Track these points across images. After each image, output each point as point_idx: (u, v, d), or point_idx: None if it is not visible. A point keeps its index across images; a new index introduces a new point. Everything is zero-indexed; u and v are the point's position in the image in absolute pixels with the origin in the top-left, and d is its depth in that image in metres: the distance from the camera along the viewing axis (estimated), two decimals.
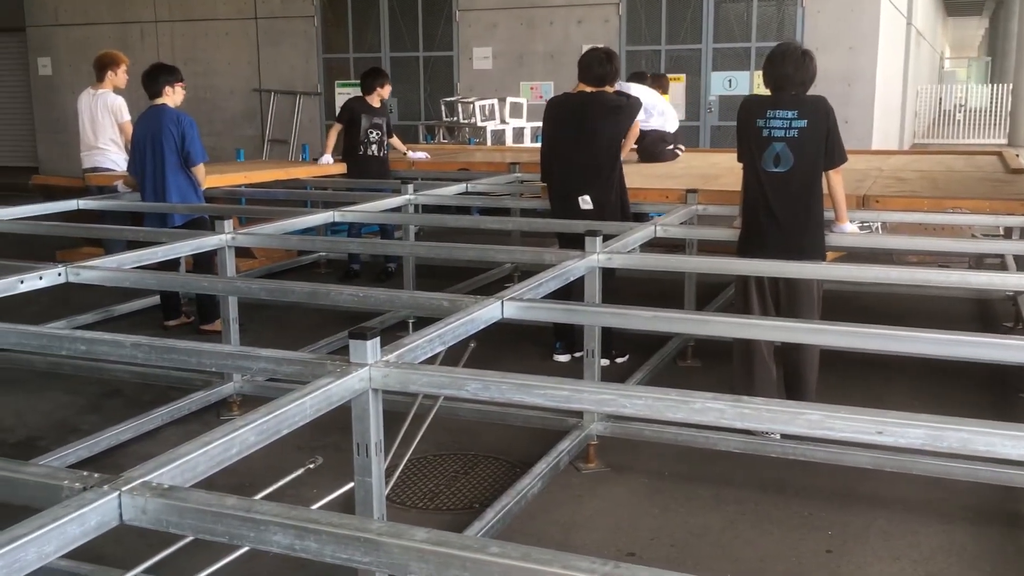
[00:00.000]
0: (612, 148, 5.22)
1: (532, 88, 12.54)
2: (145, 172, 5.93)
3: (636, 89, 7.31)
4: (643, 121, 7.18)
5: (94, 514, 1.61)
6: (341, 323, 5.77)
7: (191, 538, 2.84)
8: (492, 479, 3.86)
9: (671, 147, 7.45)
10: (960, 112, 24.09)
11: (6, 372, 5.16)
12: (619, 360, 5.28)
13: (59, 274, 3.53)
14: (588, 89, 5.27)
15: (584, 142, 5.18)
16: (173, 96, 6.00)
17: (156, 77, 5.98)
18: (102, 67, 7.26)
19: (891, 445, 1.94)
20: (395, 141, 7.98)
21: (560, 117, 5.31)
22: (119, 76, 7.29)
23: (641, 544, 3.33)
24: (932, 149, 12.36)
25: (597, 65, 5.23)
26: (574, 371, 4.75)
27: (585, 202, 5.21)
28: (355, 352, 2.34)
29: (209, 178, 6.23)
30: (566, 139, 5.24)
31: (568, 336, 5.32)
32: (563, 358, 5.34)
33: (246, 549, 2.92)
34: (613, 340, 5.20)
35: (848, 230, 4.50)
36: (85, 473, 1.73)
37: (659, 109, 7.38)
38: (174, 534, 2.68)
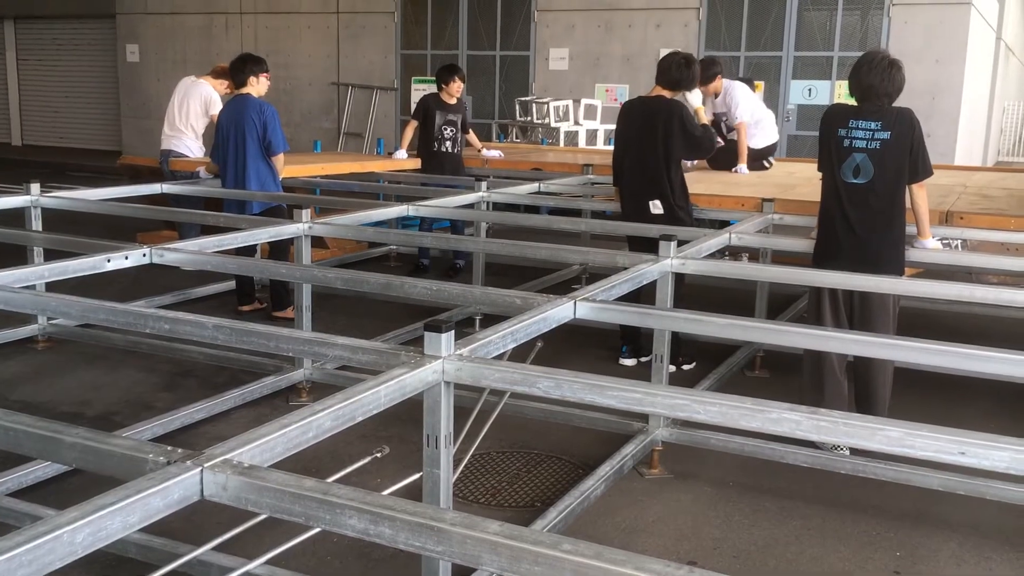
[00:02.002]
0: (676, 148, 5.19)
1: (607, 90, 12.51)
2: (227, 159, 6.07)
3: (743, 90, 7.12)
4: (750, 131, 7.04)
5: (177, 488, 1.66)
6: (408, 316, 5.83)
7: (257, 520, 2.92)
8: (554, 479, 3.86)
9: (758, 161, 7.24)
10: None
11: (87, 348, 5.33)
12: (685, 367, 5.24)
13: (144, 255, 3.63)
14: (665, 93, 5.25)
15: (657, 147, 5.16)
16: (258, 86, 6.14)
17: (243, 67, 6.13)
18: (220, 73, 7.38)
19: (974, 467, 1.90)
20: (471, 137, 8.03)
21: (635, 121, 5.30)
22: (221, 85, 7.39)
23: (704, 553, 3.29)
24: (1019, 167, 12.00)
25: (675, 69, 5.21)
26: (640, 376, 4.73)
27: (656, 207, 5.20)
28: (430, 344, 2.36)
29: (287, 168, 6.35)
30: (639, 142, 5.23)
31: (635, 340, 5.29)
32: (629, 362, 5.31)
33: (308, 535, 2.97)
34: (680, 346, 5.16)
35: (930, 246, 4.40)
36: (169, 448, 1.78)
37: (756, 119, 7.14)
38: (239, 515, 2.74)
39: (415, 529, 1.55)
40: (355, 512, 1.60)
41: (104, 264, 3.48)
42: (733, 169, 6.95)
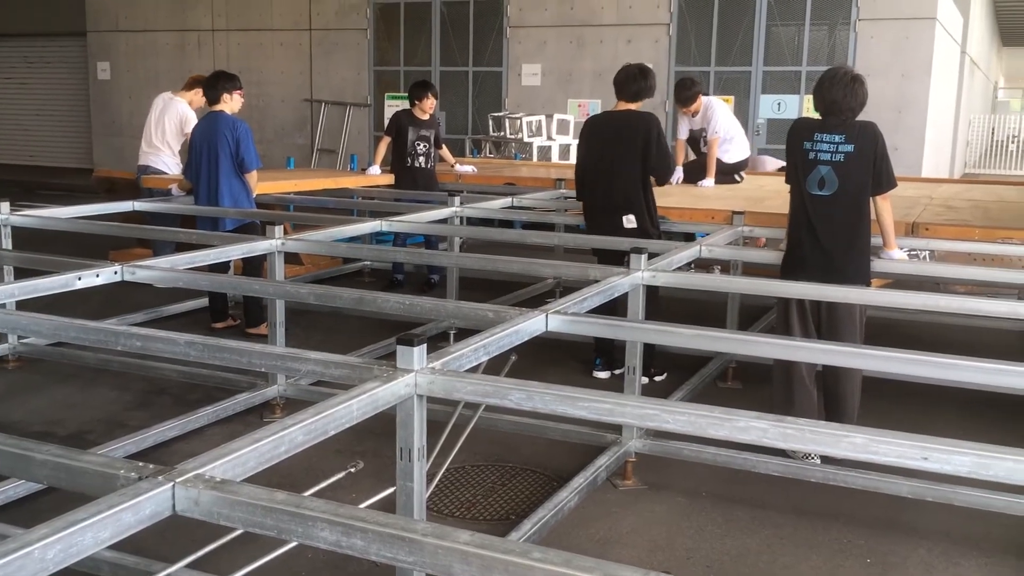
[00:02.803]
0: (648, 161, 5.21)
1: (580, 105, 12.60)
2: (200, 176, 6.06)
3: (721, 107, 7.23)
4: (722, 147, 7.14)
5: (149, 503, 1.66)
6: (383, 331, 5.83)
7: (231, 536, 2.91)
8: (529, 492, 3.88)
9: (728, 175, 7.33)
10: (1013, 143, 23.70)
11: (59, 367, 5.29)
12: (657, 379, 5.28)
13: (115, 272, 3.62)
14: (632, 107, 5.30)
15: (635, 161, 5.17)
16: (231, 103, 6.14)
17: (216, 84, 6.13)
18: (194, 83, 7.37)
19: (936, 472, 1.94)
20: (444, 152, 8.06)
21: (606, 135, 5.30)
22: (198, 97, 7.34)
23: (677, 563, 3.32)
24: (984, 179, 12.20)
25: (633, 81, 5.26)
26: (614, 388, 4.76)
27: (629, 221, 5.21)
28: (402, 358, 2.38)
29: (260, 185, 6.35)
30: (614, 156, 5.24)
31: (608, 353, 5.33)
32: (603, 375, 5.34)
33: (283, 551, 2.97)
34: (653, 358, 5.20)
35: (896, 256, 4.47)
36: (141, 464, 1.79)
37: (730, 135, 7.27)
38: (214, 532, 2.73)
39: (387, 540, 1.57)
40: (327, 524, 1.61)
41: (75, 282, 3.47)
42: (698, 183, 7.03)
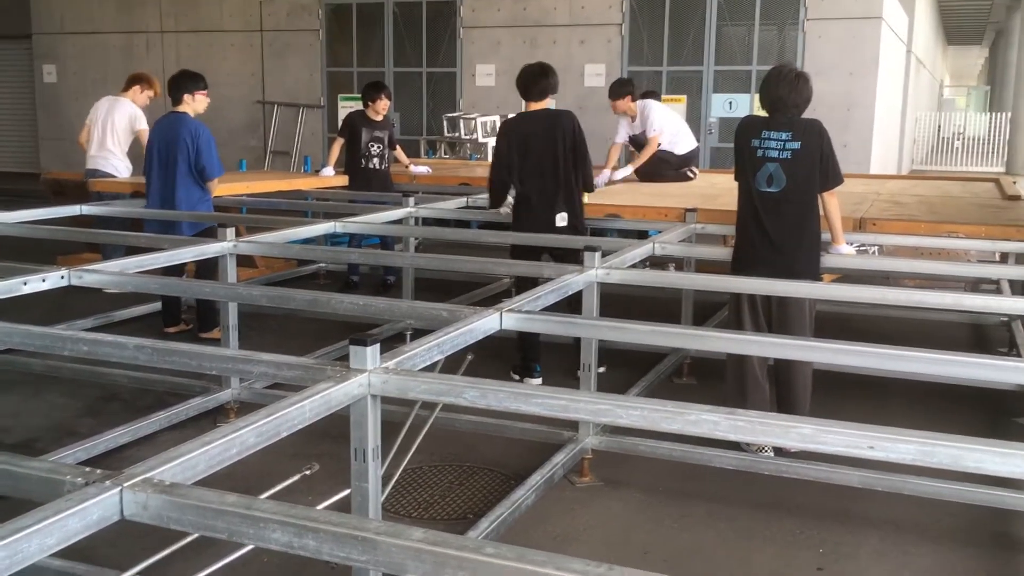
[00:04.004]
0: (578, 162, 5.27)
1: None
2: (153, 179, 5.95)
3: (659, 107, 7.37)
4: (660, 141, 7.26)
5: (96, 508, 1.63)
6: (340, 333, 5.78)
7: (185, 541, 2.88)
8: (487, 491, 3.88)
9: (680, 170, 7.45)
10: (959, 140, 24.23)
11: (4, 375, 5.18)
12: (529, 380, 5.22)
13: (62, 276, 3.56)
14: (542, 105, 5.32)
15: (568, 158, 5.22)
16: (194, 104, 6.01)
17: (179, 84, 5.99)
18: (134, 80, 7.40)
19: (882, 460, 1.97)
20: (399, 153, 8.04)
21: (534, 133, 5.26)
22: (141, 96, 7.38)
23: (633, 559, 3.34)
24: (930, 175, 12.45)
25: (537, 80, 5.31)
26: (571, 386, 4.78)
27: (562, 219, 5.25)
28: (355, 358, 2.37)
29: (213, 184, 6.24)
30: (545, 154, 5.22)
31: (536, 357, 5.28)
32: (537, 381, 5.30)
33: (238, 555, 2.94)
34: (533, 354, 5.20)
35: (844, 251, 4.54)
36: (87, 469, 1.76)
37: (675, 130, 7.40)
38: (168, 538, 2.70)
39: (339, 540, 1.56)
40: (279, 525, 1.60)
41: (20, 287, 3.40)
42: (606, 180, 7.07)
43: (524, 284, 5.35)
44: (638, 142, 7.43)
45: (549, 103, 5.38)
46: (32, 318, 3.11)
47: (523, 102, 5.47)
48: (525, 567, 1.44)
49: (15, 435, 4.38)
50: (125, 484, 1.69)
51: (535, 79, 5.31)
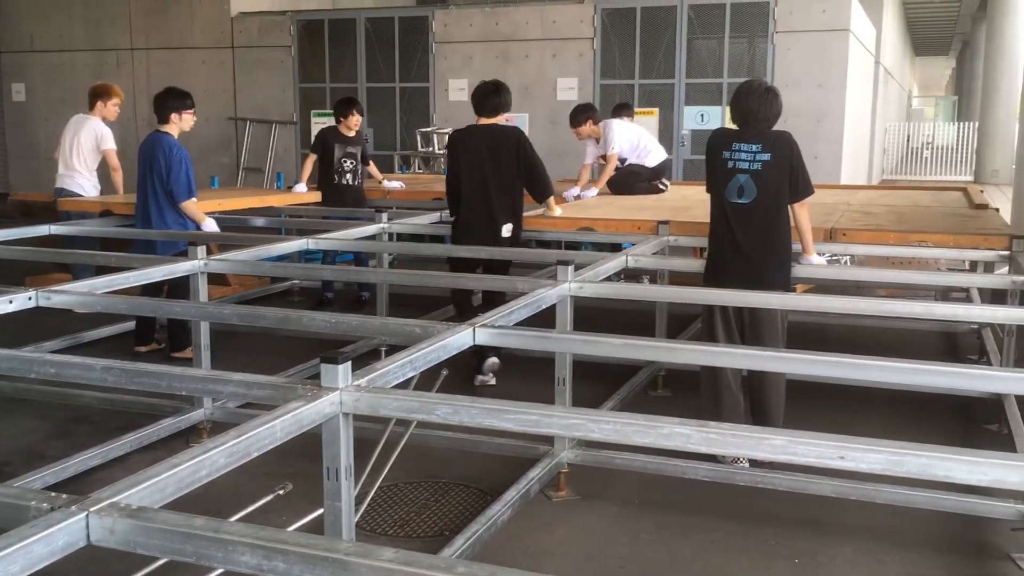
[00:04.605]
0: (522, 175, 5.46)
1: (507, 120, 12.61)
2: (138, 200, 5.91)
3: (618, 127, 7.44)
4: (621, 155, 7.34)
5: (61, 534, 1.61)
6: (314, 351, 5.75)
7: (164, 561, 2.84)
8: (463, 507, 3.86)
9: (652, 182, 7.50)
10: (928, 149, 24.54)
11: None
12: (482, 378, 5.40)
13: (29, 298, 3.52)
14: (493, 120, 5.52)
15: (512, 170, 5.41)
16: (180, 123, 5.96)
17: (164, 102, 5.94)
18: (95, 95, 7.35)
19: (853, 470, 1.98)
20: (372, 169, 8.03)
21: (479, 147, 5.47)
22: (109, 108, 7.33)
23: (610, 572, 3.34)
24: (900, 185, 12.59)
25: (489, 97, 5.52)
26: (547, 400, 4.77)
27: (507, 229, 5.44)
28: (326, 376, 2.35)
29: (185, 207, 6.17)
30: (489, 167, 5.41)
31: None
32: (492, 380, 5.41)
33: (215, 574, 2.90)
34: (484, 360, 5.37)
35: (815, 262, 4.58)
36: (53, 494, 1.73)
37: (642, 144, 7.47)
38: (151, 559, 2.67)
39: (309, 561, 1.54)
40: (247, 548, 1.58)
41: None
42: (575, 195, 7.15)
43: (459, 297, 5.53)
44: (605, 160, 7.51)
45: (501, 120, 5.57)
46: (0, 340, 3.07)
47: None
48: None
49: None
50: (91, 509, 1.66)
51: (487, 96, 5.52)
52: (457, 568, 1.47)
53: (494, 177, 5.40)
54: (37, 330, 6.16)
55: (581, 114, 7.37)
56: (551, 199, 5.73)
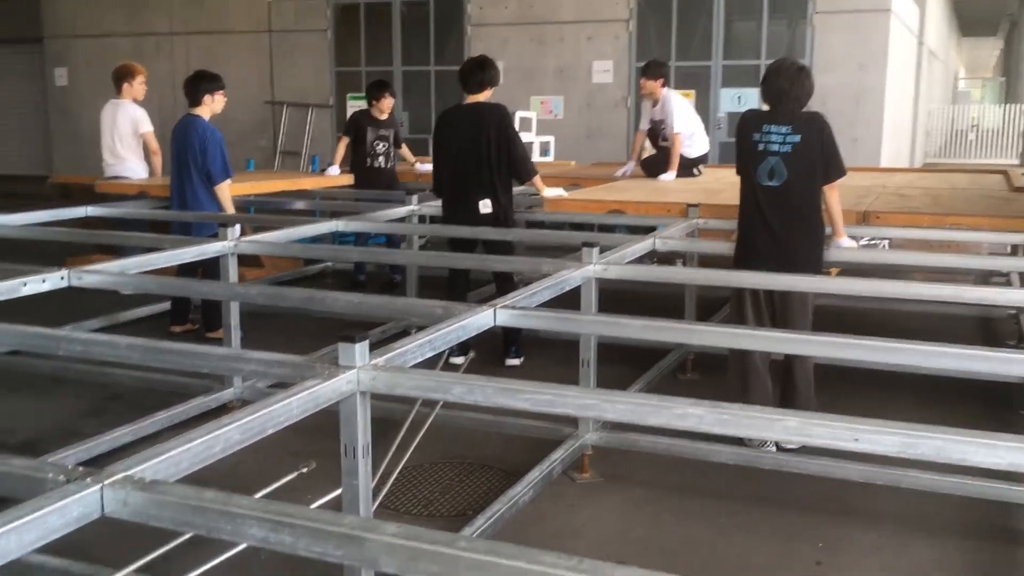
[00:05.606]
0: (503, 153, 5.43)
1: (542, 103, 12.61)
2: (173, 183, 5.99)
3: (682, 103, 7.24)
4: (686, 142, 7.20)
5: (76, 506, 1.64)
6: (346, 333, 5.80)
7: (182, 539, 2.90)
8: (487, 488, 3.88)
9: (690, 168, 7.36)
10: (973, 132, 24.04)
11: (14, 377, 5.22)
12: (511, 362, 5.43)
13: (62, 278, 3.58)
14: (479, 98, 5.52)
15: (490, 147, 5.39)
16: (212, 105, 6.02)
17: (196, 86, 6.01)
18: (119, 78, 7.40)
19: (867, 452, 1.96)
20: (405, 151, 8.06)
21: (461, 125, 5.50)
22: (135, 87, 7.41)
23: (631, 553, 3.34)
24: (941, 167, 12.35)
25: (473, 73, 5.52)
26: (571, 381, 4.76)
27: (485, 206, 5.43)
28: (344, 355, 2.38)
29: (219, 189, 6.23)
30: (469, 144, 5.42)
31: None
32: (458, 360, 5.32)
33: (236, 551, 2.95)
34: (518, 341, 5.44)
35: (845, 245, 4.51)
36: (70, 466, 1.77)
37: (693, 130, 7.31)
38: (167, 536, 2.72)
39: (315, 535, 1.56)
40: (255, 521, 1.60)
41: (20, 288, 3.42)
42: (659, 176, 7.07)
43: (455, 277, 5.55)
44: (652, 129, 7.38)
45: (488, 95, 5.57)
46: (40, 319, 3.11)
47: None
48: (497, 560, 1.44)
49: (19, 436, 4.42)
50: (106, 481, 1.70)
51: (471, 72, 5.54)
52: (458, 543, 1.48)
53: (472, 154, 5.41)
54: (77, 311, 6.27)
55: (659, 68, 7.22)
56: (537, 179, 5.67)
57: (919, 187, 6.60)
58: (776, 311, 4.31)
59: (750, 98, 11.59)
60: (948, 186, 6.70)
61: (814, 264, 4.28)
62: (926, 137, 20.95)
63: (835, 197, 4.36)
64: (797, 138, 4.16)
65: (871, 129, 11.14)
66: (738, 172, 4.43)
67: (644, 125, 7.47)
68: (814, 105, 4.36)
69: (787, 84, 4.18)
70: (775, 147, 4.19)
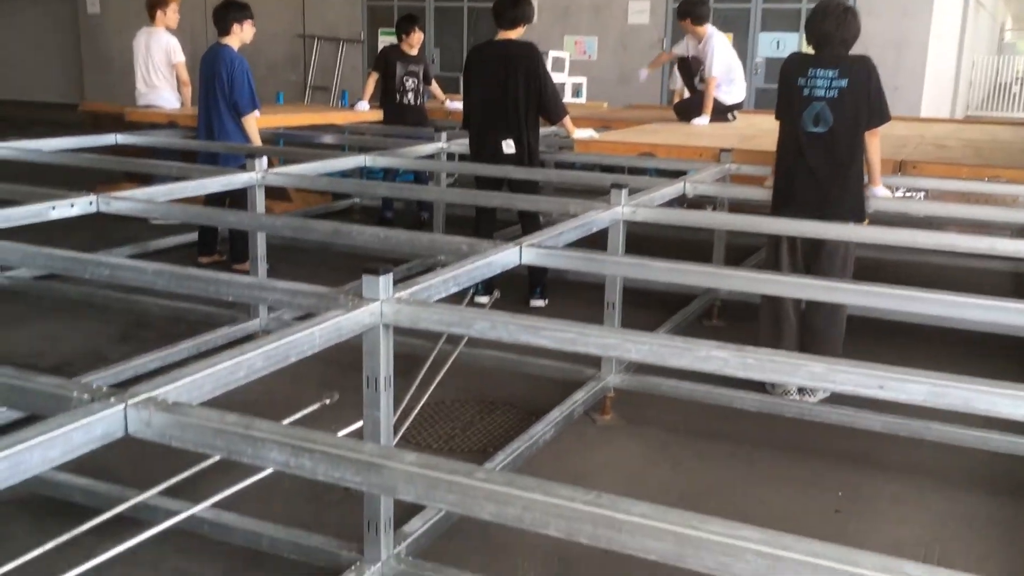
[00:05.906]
0: (532, 93, 5.35)
1: (576, 43, 12.42)
2: (200, 112, 5.97)
3: (722, 44, 7.02)
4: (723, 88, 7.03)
5: (100, 424, 1.66)
6: None
7: (206, 463, 2.94)
8: (508, 426, 3.90)
9: (725, 114, 7.20)
10: (1017, 84, 23.42)
11: (43, 301, 5.29)
12: (536, 303, 5.42)
13: (90, 203, 3.60)
14: (510, 34, 5.44)
15: (518, 87, 5.32)
16: (241, 34, 5.98)
17: (225, 15, 5.96)
18: (152, 6, 7.36)
19: (892, 399, 1.94)
20: (435, 88, 7.98)
21: (490, 62, 5.43)
22: (169, 16, 7.36)
23: (649, 496, 3.29)
24: (983, 120, 12.08)
25: (512, 7, 5.41)
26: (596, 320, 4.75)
27: (508, 146, 5.38)
28: (367, 287, 2.37)
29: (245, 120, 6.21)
30: (497, 82, 5.35)
31: (541, 282, 5.47)
32: (484, 299, 5.23)
33: (256, 479, 2.99)
34: (543, 282, 5.45)
35: (880, 194, 4.43)
36: (95, 386, 1.79)
37: (731, 76, 7.06)
38: (192, 459, 2.75)
39: (333, 461, 1.57)
40: (275, 445, 1.62)
41: (48, 212, 3.44)
42: (692, 120, 6.94)
43: (482, 216, 5.53)
44: (687, 66, 7.21)
45: (521, 32, 5.48)
46: (70, 246, 3.12)
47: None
48: (514, 492, 1.44)
49: (49, 359, 4.49)
50: (130, 401, 1.71)
51: (505, 7, 5.43)
52: (476, 474, 1.49)
53: (499, 93, 5.34)
54: (108, 241, 6.32)
55: (703, 6, 6.91)
56: (567, 120, 5.58)
57: (959, 138, 6.45)
58: (813, 265, 4.23)
59: (790, 43, 11.37)
60: (989, 138, 6.54)
61: (858, 212, 4.19)
62: (969, 88, 20.44)
63: (876, 144, 4.25)
64: (844, 82, 4.05)
65: (913, 78, 10.90)
66: (777, 117, 4.33)
67: (679, 51, 7.28)
68: (856, 51, 4.23)
69: (833, 26, 4.06)
70: (821, 92, 4.08)
